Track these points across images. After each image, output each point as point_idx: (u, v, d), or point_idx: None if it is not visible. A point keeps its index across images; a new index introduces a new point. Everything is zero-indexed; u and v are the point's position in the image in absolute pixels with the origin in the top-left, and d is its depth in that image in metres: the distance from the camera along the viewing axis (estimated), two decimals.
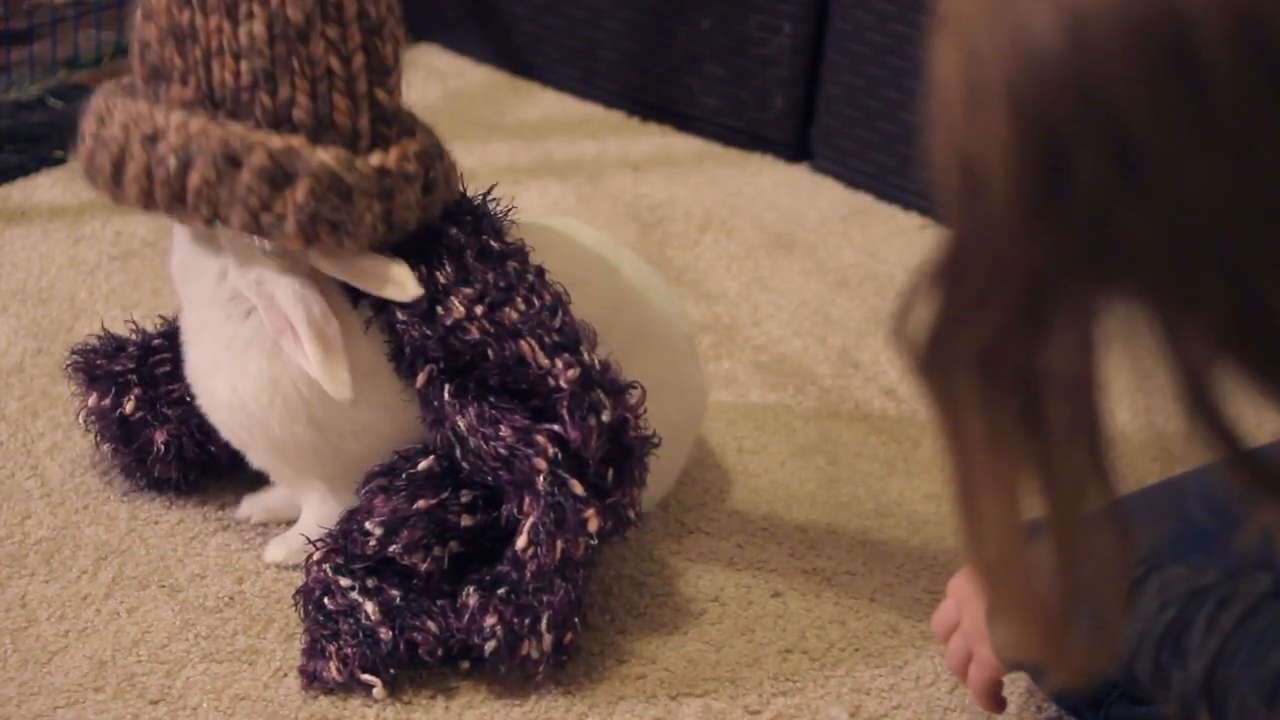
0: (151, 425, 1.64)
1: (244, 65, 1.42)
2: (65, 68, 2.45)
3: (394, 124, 1.46)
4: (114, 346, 1.67)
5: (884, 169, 2.30)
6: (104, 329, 1.70)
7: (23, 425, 1.75)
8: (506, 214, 1.53)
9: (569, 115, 2.49)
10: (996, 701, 1.37)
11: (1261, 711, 1.08)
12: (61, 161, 2.23)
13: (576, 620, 1.47)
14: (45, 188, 2.18)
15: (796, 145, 2.39)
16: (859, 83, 2.28)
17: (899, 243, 2.22)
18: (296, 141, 1.42)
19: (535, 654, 1.45)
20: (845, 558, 1.66)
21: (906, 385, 1.92)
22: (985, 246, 0.84)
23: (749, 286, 2.10)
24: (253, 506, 1.65)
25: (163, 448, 1.64)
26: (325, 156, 1.41)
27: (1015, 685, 1.48)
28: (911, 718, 1.48)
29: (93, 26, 2.53)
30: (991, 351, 0.86)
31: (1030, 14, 0.80)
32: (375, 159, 1.44)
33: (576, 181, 2.31)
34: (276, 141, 1.41)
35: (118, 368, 1.65)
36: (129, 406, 1.64)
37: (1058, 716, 1.47)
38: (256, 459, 1.59)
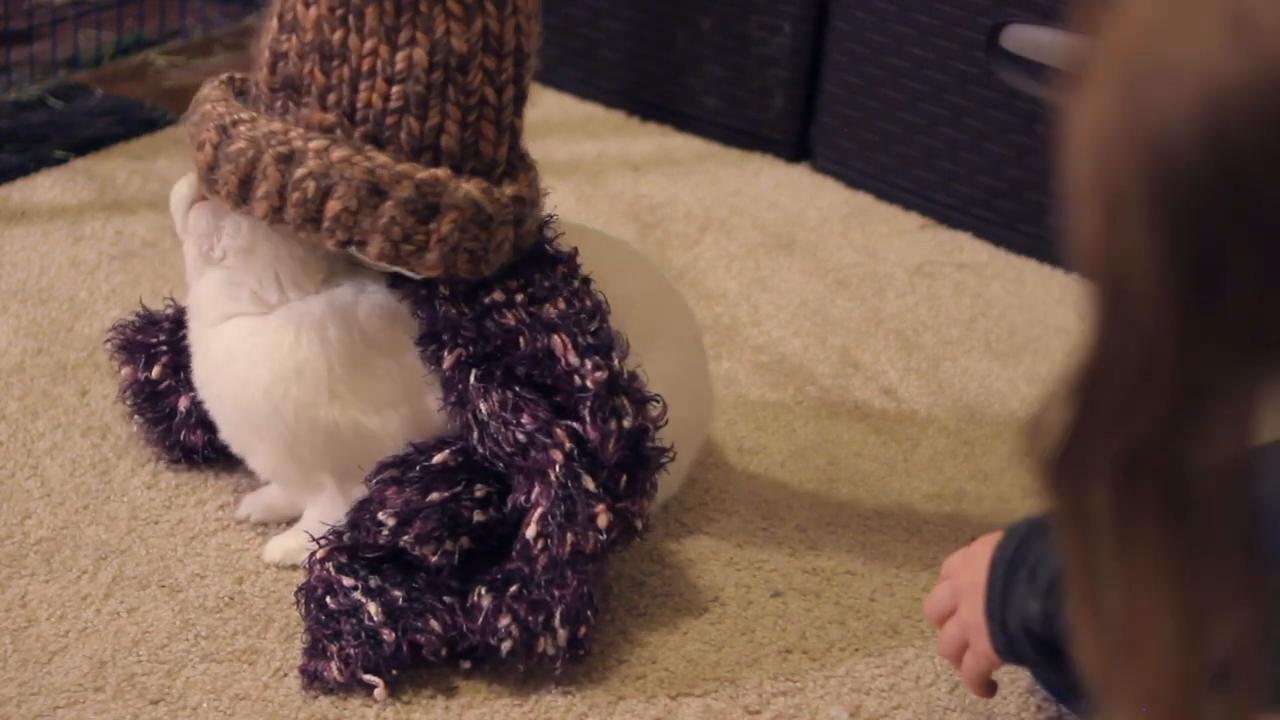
0: (176, 392, 1.67)
1: (395, 90, 1.41)
2: (65, 68, 2.45)
3: (521, 151, 1.49)
4: (148, 321, 1.72)
5: (884, 169, 2.30)
6: (142, 305, 1.75)
7: (23, 425, 1.75)
8: (549, 218, 1.55)
9: (569, 115, 2.49)
10: (987, 688, 1.38)
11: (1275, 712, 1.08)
12: (62, 161, 2.23)
13: (590, 614, 1.46)
14: (45, 188, 2.17)
15: (796, 145, 2.39)
16: (859, 83, 2.28)
17: (899, 243, 2.22)
18: (442, 173, 1.42)
19: (551, 650, 1.45)
20: (845, 558, 1.66)
21: (906, 385, 1.92)
22: (1135, 354, 0.81)
23: (749, 286, 2.10)
24: (253, 506, 1.65)
25: (185, 413, 1.66)
26: (470, 188, 1.42)
27: (1016, 684, 1.49)
28: (911, 718, 1.48)
29: (93, 26, 2.53)
30: (1137, 458, 0.83)
31: (1168, 114, 0.76)
32: (510, 189, 1.46)
33: (576, 181, 2.31)
34: (423, 173, 1.41)
35: (151, 340, 1.70)
36: (156, 372, 1.68)
37: (1058, 716, 1.47)
38: (263, 461, 1.58)
